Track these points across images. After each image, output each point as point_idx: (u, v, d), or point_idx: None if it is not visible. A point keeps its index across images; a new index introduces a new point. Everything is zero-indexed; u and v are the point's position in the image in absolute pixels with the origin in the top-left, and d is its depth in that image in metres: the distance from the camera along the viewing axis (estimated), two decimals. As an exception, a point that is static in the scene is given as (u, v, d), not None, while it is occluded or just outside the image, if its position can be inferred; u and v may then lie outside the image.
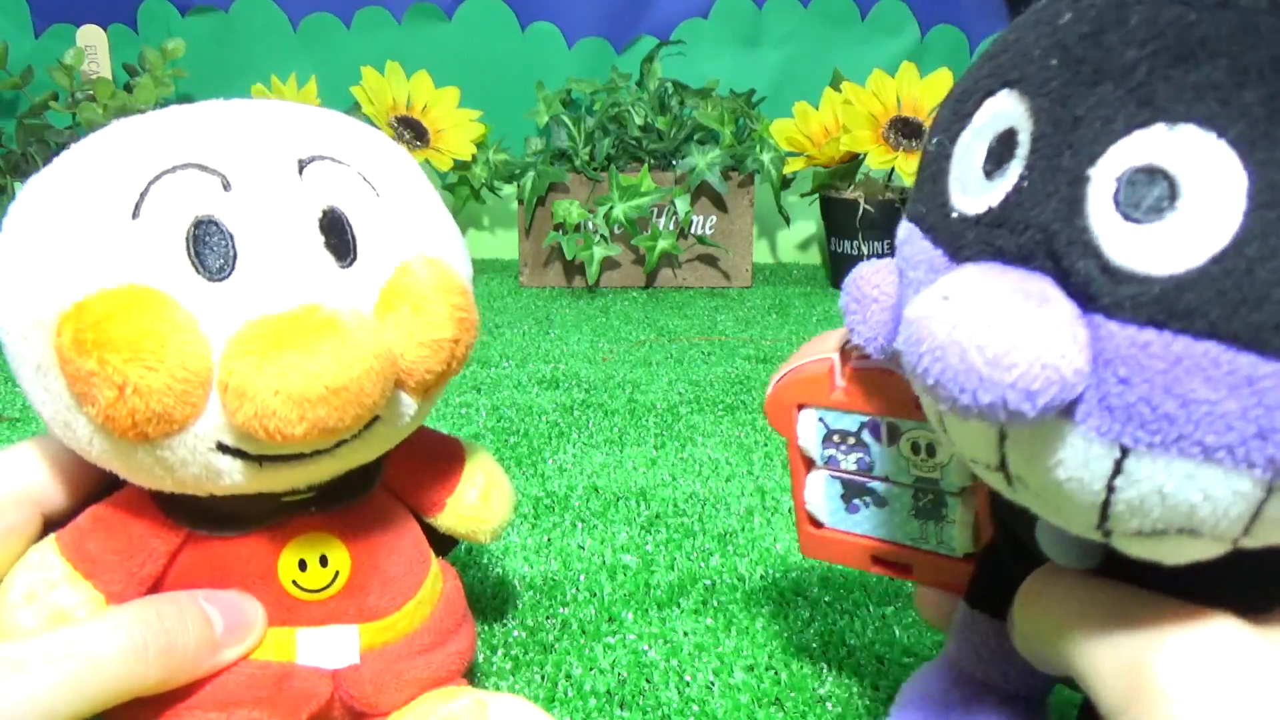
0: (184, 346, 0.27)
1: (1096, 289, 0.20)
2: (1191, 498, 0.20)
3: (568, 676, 0.45)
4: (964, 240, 0.23)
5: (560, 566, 0.55)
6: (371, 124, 1.33)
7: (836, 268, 1.32)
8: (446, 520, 0.39)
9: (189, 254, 0.28)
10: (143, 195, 0.28)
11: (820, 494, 0.36)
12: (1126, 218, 0.20)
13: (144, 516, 0.32)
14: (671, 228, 1.28)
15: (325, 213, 0.30)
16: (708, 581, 0.54)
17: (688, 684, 0.45)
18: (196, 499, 0.31)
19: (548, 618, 0.50)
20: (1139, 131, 0.19)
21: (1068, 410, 0.21)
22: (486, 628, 0.49)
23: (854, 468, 0.35)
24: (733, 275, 1.31)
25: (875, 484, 0.34)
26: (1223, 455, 0.19)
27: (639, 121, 1.31)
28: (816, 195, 1.33)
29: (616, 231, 1.27)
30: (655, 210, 1.27)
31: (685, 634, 0.49)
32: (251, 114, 0.32)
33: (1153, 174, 0.19)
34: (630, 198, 1.24)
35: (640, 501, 0.64)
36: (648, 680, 0.45)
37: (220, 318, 0.28)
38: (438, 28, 1.39)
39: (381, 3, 1.38)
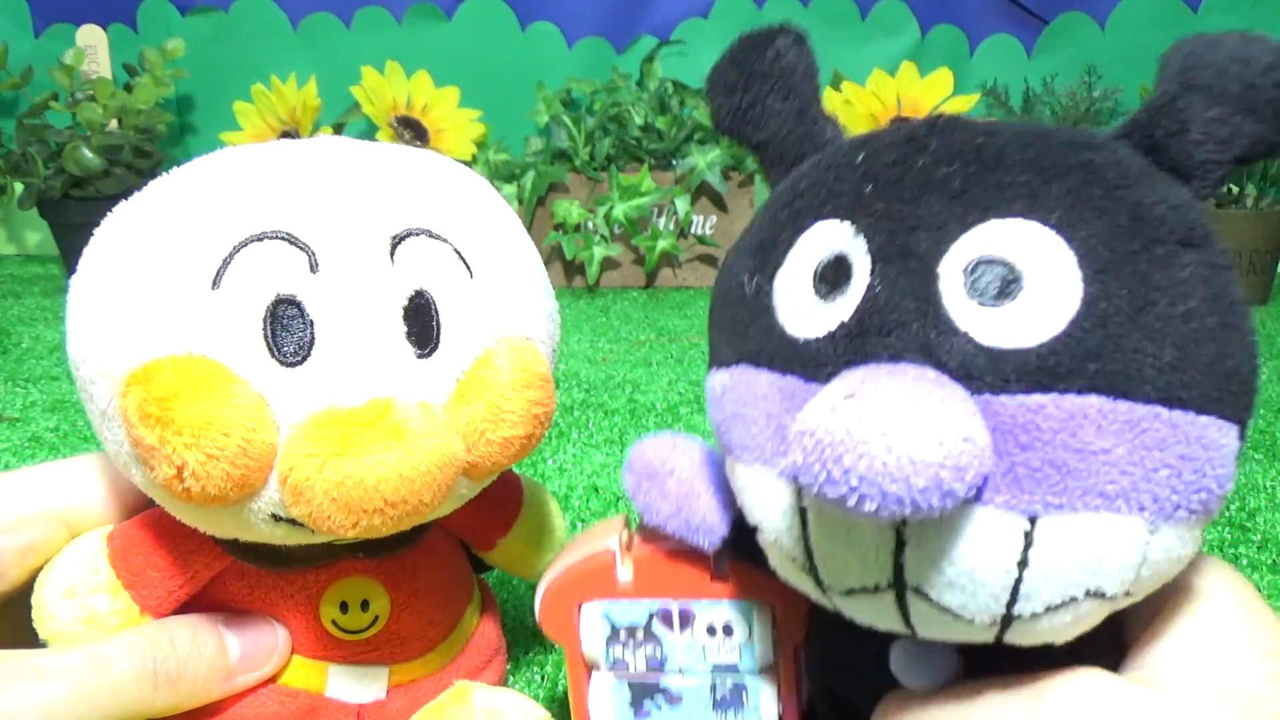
0: (248, 434, 0.26)
1: (978, 370, 0.21)
2: (1099, 551, 0.21)
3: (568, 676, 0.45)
4: (824, 358, 0.23)
5: (560, 566, 0.55)
6: (373, 124, 1.32)
7: (836, 268, 1.32)
8: (496, 559, 0.39)
9: (265, 335, 0.27)
10: (225, 263, 0.27)
11: (606, 703, 0.32)
12: (982, 304, 0.21)
13: (193, 537, 0.32)
14: (671, 228, 1.27)
15: (412, 299, 0.29)
16: (708, 581, 0.54)
17: (688, 684, 0.45)
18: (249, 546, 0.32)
19: (548, 618, 0.50)
20: (971, 230, 0.22)
21: (972, 496, 0.21)
22: (486, 628, 0.49)
23: (644, 666, 0.31)
24: (733, 275, 1.31)
25: (668, 679, 0.31)
26: (1120, 503, 0.21)
27: (639, 121, 1.31)
28: (816, 195, 1.33)
29: (616, 231, 1.27)
30: (655, 210, 1.27)
31: (685, 634, 0.49)
32: (348, 178, 0.30)
33: (993, 263, 0.21)
34: (630, 198, 1.24)
35: (640, 501, 0.64)
36: None
37: (289, 404, 0.27)
38: (438, 28, 1.39)
39: (381, 3, 1.38)
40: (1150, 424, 0.21)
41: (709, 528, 0.29)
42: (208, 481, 0.26)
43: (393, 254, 0.29)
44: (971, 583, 0.22)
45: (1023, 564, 0.21)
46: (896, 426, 0.19)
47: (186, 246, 0.27)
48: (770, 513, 0.25)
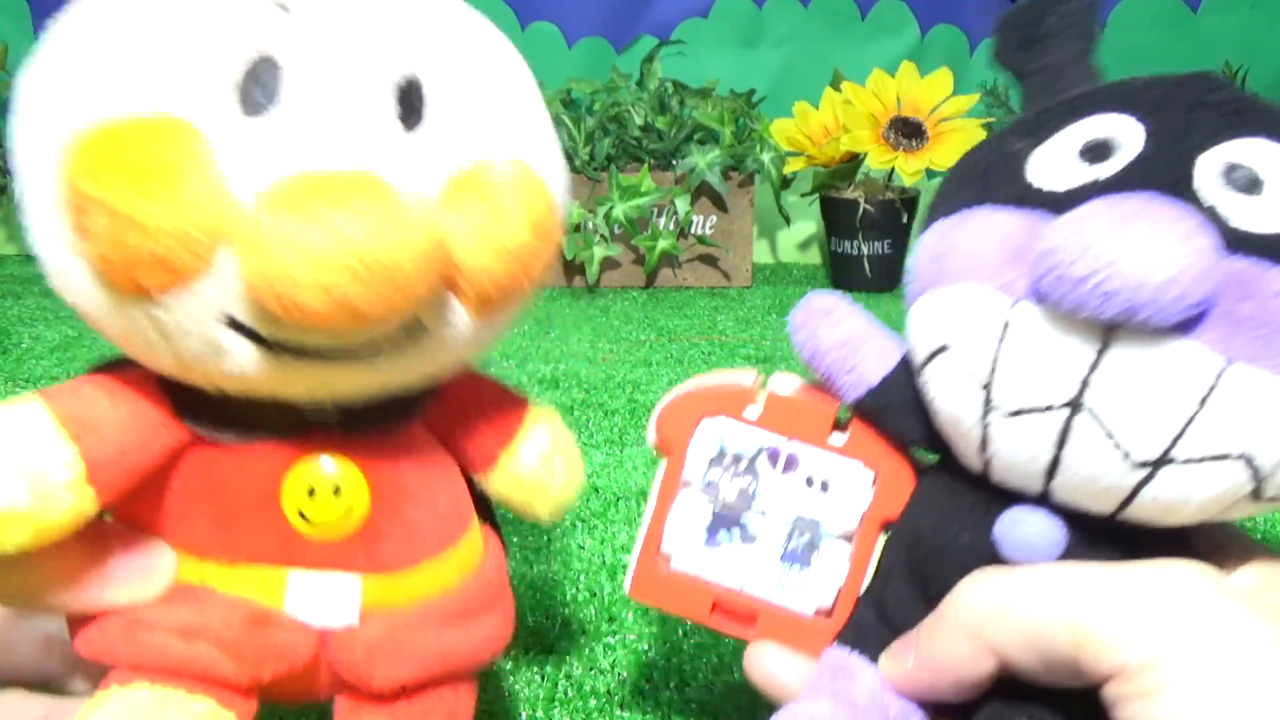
0: (201, 185, 0.23)
1: (1220, 232, 0.24)
2: (1270, 414, 0.24)
3: (568, 676, 0.45)
4: (1077, 199, 0.25)
5: (560, 566, 0.55)
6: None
7: (836, 268, 1.32)
8: (499, 482, 0.34)
9: (237, 89, 0.24)
10: (196, 14, 0.24)
11: (685, 520, 0.33)
12: (1228, 192, 0.25)
13: (147, 398, 0.27)
14: (671, 228, 1.28)
15: (406, 78, 0.26)
16: (707, 581, 0.54)
17: (688, 684, 0.45)
18: (204, 394, 0.27)
19: (547, 618, 0.50)
20: (1232, 140, 0.26)
21: (1181, 328, 0.24)
22: (486, 628, 0.49)
23: (734, 496, 0.33)
24: (733, 275, 1.31)
25: (750, 516, 0.33)
26: None
27: (639, 121, 1.31)
28: (816, 195, 1.33)
29: (616, 231, 1.27)
30: (655, 210, 1.27)
31: (685, 634, 0.49)
32: None
33: (1243, 168, 0.25)
34: (630, 198, 1.24)
35: (640, 501, 0.64)
36: (648, 680, 0.45)
37: (255, 165, 0.23)
38: (438, 28, 1.39)
39: (381, 3, 1.38)
40: None
41: (861, 376, 0.31)
42: (150, 236, 0.23)
43: (386, 31, 0.26)
44: (1151, 408, 0.24)
45: (1204, 401, 0.24)
46: (1149, 228, 0.22)
47: (161, 22, 0.25)
48: (968, 326, 0.27)
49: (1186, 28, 1.36)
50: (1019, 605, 0.26)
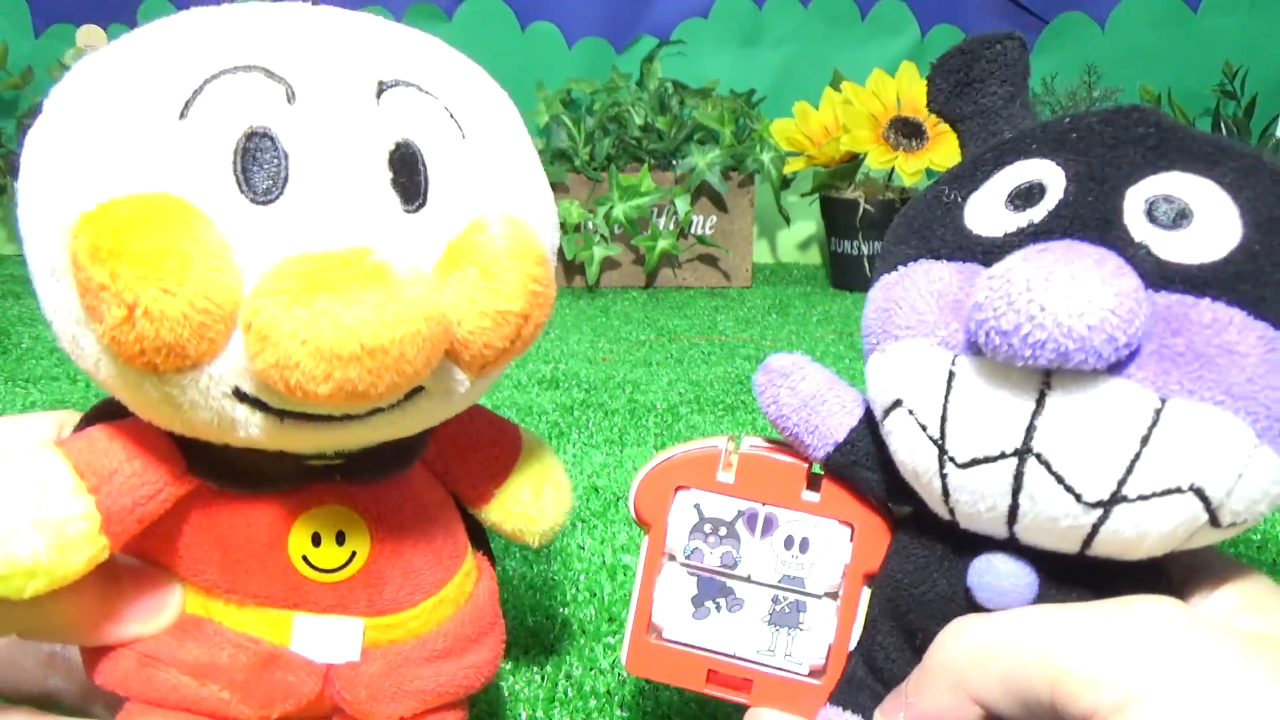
0: (210, 273, 0.23)
1: (1146, 268, 0.25)
2: (1212, 445, 0.24)
3: (568, 676, 0.45)
4: (1009, 247, 0.26)
5: (560, 566, 0.55)
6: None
7: (836, 268, 1.32)
8: (492, 515, 0.36)
9: (235, 169, 0.24)
10: (195, 94, 0.25)
11: (672, 593, 0.34)
12: (1155, 228, 0.25)
13: (158, 451, 0.28)
14: (671, 228, 1.27)
15: (399, 145, 0.26)
16: (708, 581, 0.54)
17: (688, 684, 0.45)
18: (211, 447, 0.28)
19: (547, 618, 0.50)
20: (1158, 174, 0.26)
21: (1116, 368, 0.24)
22: (486, 628, 0.49)
23: (717, 563, 0.33)
24: (733, 275, 1.31)
25: (735, 583, 0.33)
26: (1240, 405, 0.24)
27: (639, 121, 1.31)
28: (816, 195, 1.33)
29: (616, 231, 1.27)
30: (655, 210, 1.27)
31: (685, 634, 0.49)
32: (335, 21, 0.28)
33: (1171, 201, 0.26)
34: (630, 198, 1.24)
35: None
36: (647, 680, 0.45)
37: (258, 247, 0.24)
38: (438, 28, 1.39)
39: (382, 3, 1.38)
40: (1278, 346, 0.24)
41: (825, 433, 0.32)
42: (162, 324, 0.23)
43: (378, 98, 0.27)
44: (1095, 450, 0.24)
45: (1145, 440, 0.24)
46: (1077, 273, 0.23)
47: (152, 79, 0.25)
48: (916, 381, 0.27)
49: (1186, 28, 1.36)
50: (995, 652, 0.26)
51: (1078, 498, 0.25)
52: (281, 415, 0.26)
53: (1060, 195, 0.27)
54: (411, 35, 0.30)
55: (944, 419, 0.27)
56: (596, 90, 1.35)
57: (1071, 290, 0.23)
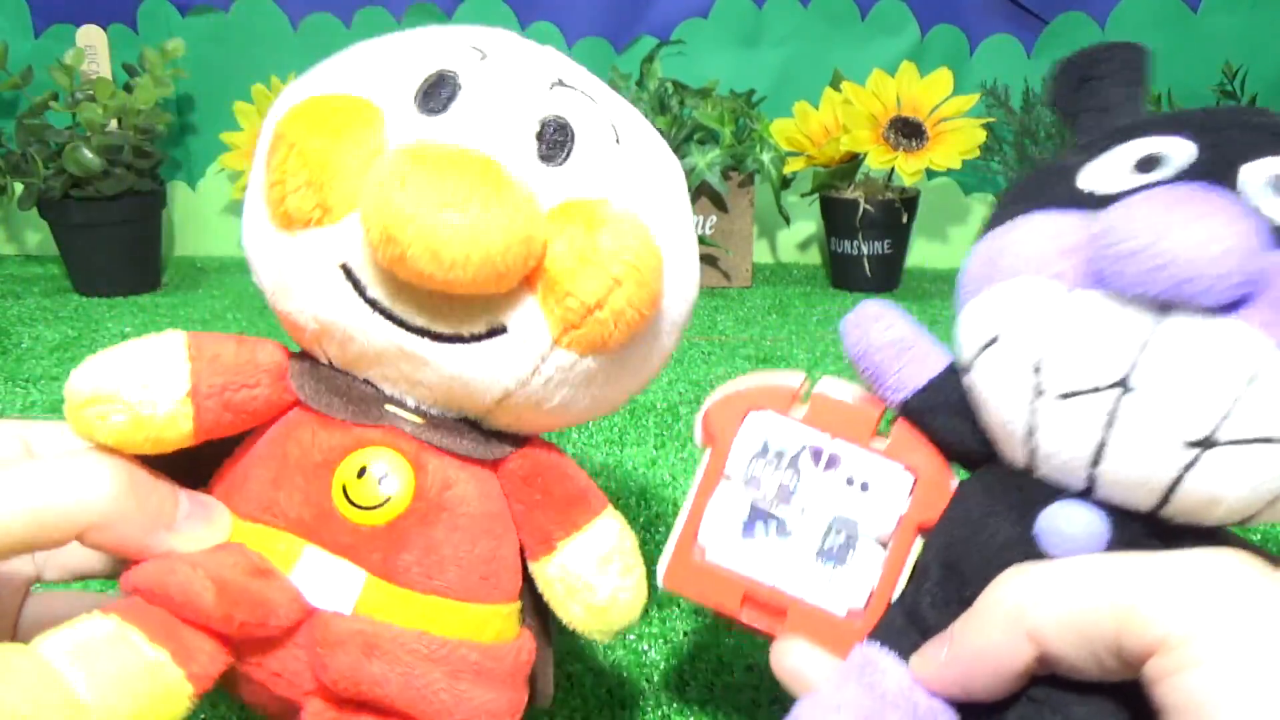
0: (362, 140, 0.29)
1: (1267, 229, 0.25)
2: None
3: (568, 676, 0.45)
4: (1128, 195, 0.26)
5: (560, 566, 0.55)
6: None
7: (836, 268, 1.32)
8: (551, 569, 0.34)
9: (418, 91, 0.31)
10: (411, 49, 0.33)
11: (723, 512, 0.33)
12: (1274, 194, 0.26)
13: (268, 358, 0.32)
14: (671, 228, 1.27)
15: (556, 118, 0.31)
16: (707, 581, 0.54)
17: (688, 684, 0.45)
18: (316, 368, 0.32)
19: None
20: (1275, 156, 0.27)
21: (1228, 310, 0.24)
22: (486, 628, 0.49)
23: (774, 492, 0.33)
24: (733, 275, 1.31)
25: (787, 512, 0.33)
26: None
27: (639, 121, 1.31)
28: (816, 195, 1.33)
29: (616, 231, 1.27)
30: (655, 210, 1.27)
31: (685, 634, 0.49)
32: (535, 42, 0.34)
33: None
34: (630, 198, 1.24)
35: (640, 501, 0.64)
36: (648, 680, 0.45)
37: (410, 139, 0.29)
38: (438, 28, 1.39)
39: (381, 3, 1.38)
40: None
41: (908, 376, 0.32)
42: (309, 158, 0.28)
43: (551, 89, 0.32)
44: (1198, 386, 0.24)
45: (1251, 380, 0.24)
46: (1197, 210, 0.23)
47: (387, 50, 0.33)
48: (1020, 314, 0.27)
49: (1186, 28, 1.36)
50: (1061, 589, 0.26)
51: (1172, 435, 0.25)
52: (375, 310, 0.29)
53: (1186, 162, 0.28)
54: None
55: (1046, 350, 0.27)
56: (596, 90, 1.35)
57: (1196, 222, 0.23)
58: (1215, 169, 0.27)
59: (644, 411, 0.82)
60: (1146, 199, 0.24)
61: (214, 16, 1.38)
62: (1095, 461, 0.27)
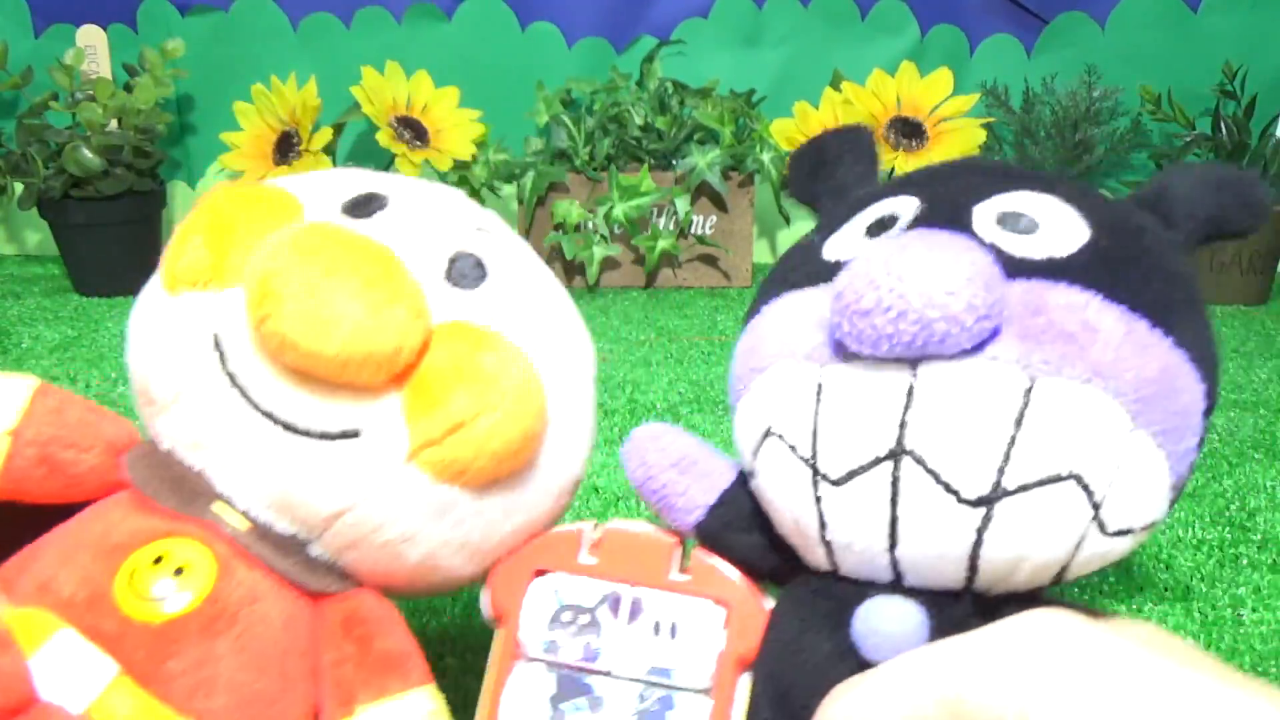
0: (272, 214, 0.29)
1: (1001, 261, 0.25)
2: (1087, 425, 0.23)
3: None
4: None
5: (560, 566, 0.55)
6: (373, 124, 1.32)
7: (836, 268, 1.32)
8: None
9: (344, 199, 0.31)
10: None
11: (524, 695, 0.30)
12: (1005, 230, 0.26)
13: (113, 431, 0.31)
14: (671, 228, 1.27)
15: (471, 255, 0.31)
16: (708, 581, 0.54)
17: None
18: (157, 457, 0.30)
19: (548, 618, 0.50)
20: (1002, 194, 0.27)
21: (980, 349, 0.24)
22: (487, 630, 0.49)
23: (579, 655, 0.30)
24: (733, 275, 1.31)
25: (596, 680, 0.30)
26: (1109, 385, 0.23)
27: (639, 121, 1.31)
28: (816, 195, 1.33)
29: (616, 231, 1.27)
30: (655, 210, 1.27)
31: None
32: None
33: (1018, 215, 0.26)
34: (630, 198, 1.24)
35: (640, 501, 0.64)
36: None
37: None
38: (438, 28, 1.39)
39: (381, 3, 1.38)
40: (1137, 328, 0.24)
41: (697, 495, 0.31)
42: (210, 214, 0.29)
43: (475, 230, 0.32)
44: (970, 438, 0.23)
45: (1019, 422, 0.23)
46: (933, 246, 0.23)
47: (330, 175, 0.33)
48: (784, 401, 0.27)
49: (1186, 28, 1.36)
50: (885, 699, 0.23)
51: (958, 496, 0.24)
52: (232, 380, 0.28)
53: (914, 215, 0.27)
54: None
55: (815, 434, 0.25)
56: (596, 90, 1.35)
57: (929, 261, 0.23)
58: (943, 214, 0.27)
59: (644, 411, 0.82)
60: (873, 252, 0.24)
61: (214, 16, 1.38)
62: (892, 543, 0.25)
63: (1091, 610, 0.26)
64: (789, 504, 0.27)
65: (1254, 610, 0.55)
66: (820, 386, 0.25)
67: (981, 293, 0.23)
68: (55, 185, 1.17)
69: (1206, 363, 0.26)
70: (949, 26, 1.40)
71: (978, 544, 0.24)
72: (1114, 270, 0.25)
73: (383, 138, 1.25)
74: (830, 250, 0.29)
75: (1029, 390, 0.23)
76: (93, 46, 1.32)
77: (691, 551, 0.30)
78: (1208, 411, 0.26)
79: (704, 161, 1.26)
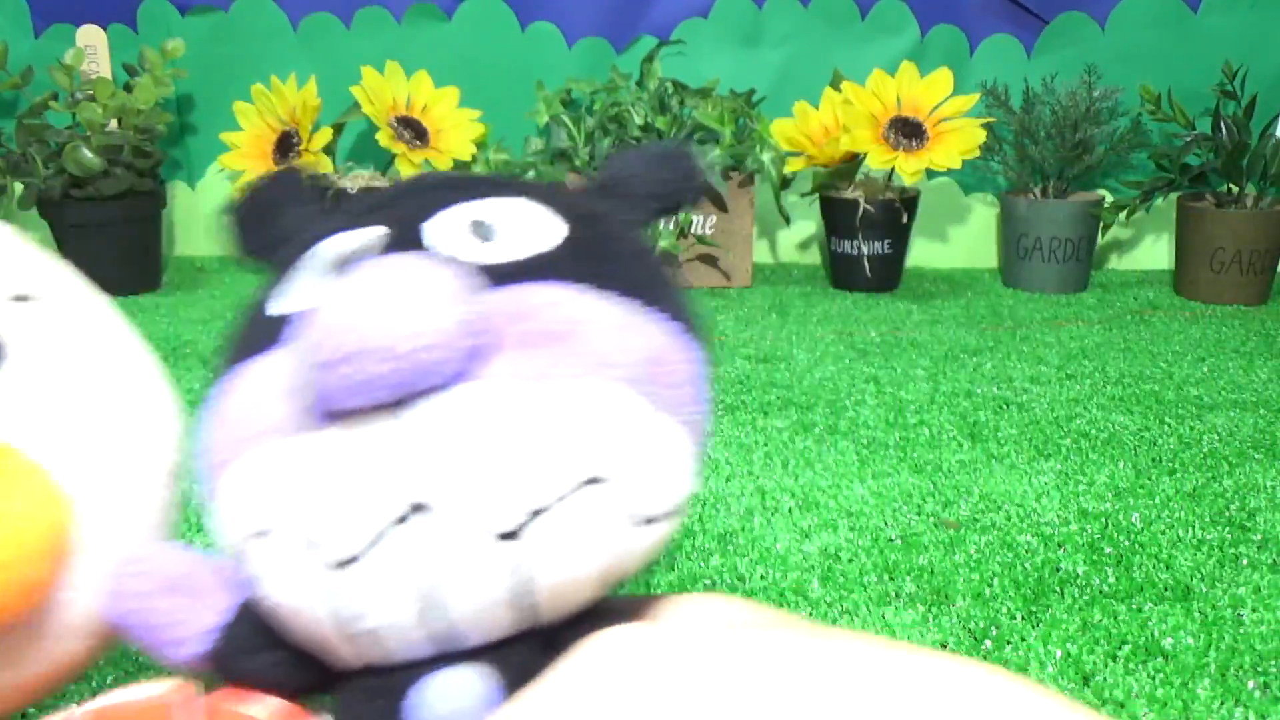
0: None
1: (470, 275, 0.23)
2: (591, 419, 0.22)
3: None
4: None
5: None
6: (373, 124, 1.32)
7: (836, 268, 1.32)
8: None
9: None
10: None
11: None
12: (470, 240, 0.25)
13: None
14: (671, 227, 1.27)
15: None
16: (707, 581, 0.54)
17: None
18: None
19: (548, 617, 0.50)
20: (456, 205, 0.26)
21: (469, 372, 0.22)
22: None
23: None
24: (733, 275, 1.31)
25: None
26: (608, 374, 0.23)
27: (639, 121, 1.31)
28: (816, 195, 1.33)
29: (616, 231, 1.27)
30: (655, 210, 1.27)
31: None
32: None
33: (479, 222, 0.26)
34: (630, 198, 1.24)
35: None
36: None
37: None
38: (438, 28, 1.39)
39: (381, 3, 1.38)
40: (628, 311, 0.24)
41: (195, 622, 0.26)
42: None
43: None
44: (484, 471, 0.21)
45: (529, 437, 0.21)
46: (395, 285, 0.21)
47: None
48: (269, 489, 0.23)
49: (1186, 28, 1.36)
50: None
51: (487, 535, 0.21)
52: None
53: (377, 246, 0.25)
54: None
55: (311, 517, 0.22)
56: (596, 90, 1.35)
57: (393, 291, 0.20)
58: (406, 237, 0.25)
59: (644, 411, 0.82)
60: (333, 295, 0.21)
61: (214, 16, 1.38)
62: (430, 612, 0.21)
63: (640, 602, 0.25)
64: (300, 605, 0.22)
65: (1254, 610, 0.55)
66: (304, 461, 0.22)
67: (455, 312, 0.20)
68: (55, 185, 1.16)
69: (694, 329, 0.27)
70: (949, 26, 1.40)
71: (522, 579, 0.22)
72: (593, 260, 0.25)
73: (383, 138, 1.25)
74: (283, 304, 0.26)
75: (532, 400, 0.21)
76: (93, 46, 1.32)
77: (205, 701, 0.25)
78: (705, 376, 0.26)
79: (704, 161, 1.26)
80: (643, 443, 0.22)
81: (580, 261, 0.25)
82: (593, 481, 0.22)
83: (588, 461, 0.21)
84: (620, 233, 0.27)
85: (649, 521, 0.23)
